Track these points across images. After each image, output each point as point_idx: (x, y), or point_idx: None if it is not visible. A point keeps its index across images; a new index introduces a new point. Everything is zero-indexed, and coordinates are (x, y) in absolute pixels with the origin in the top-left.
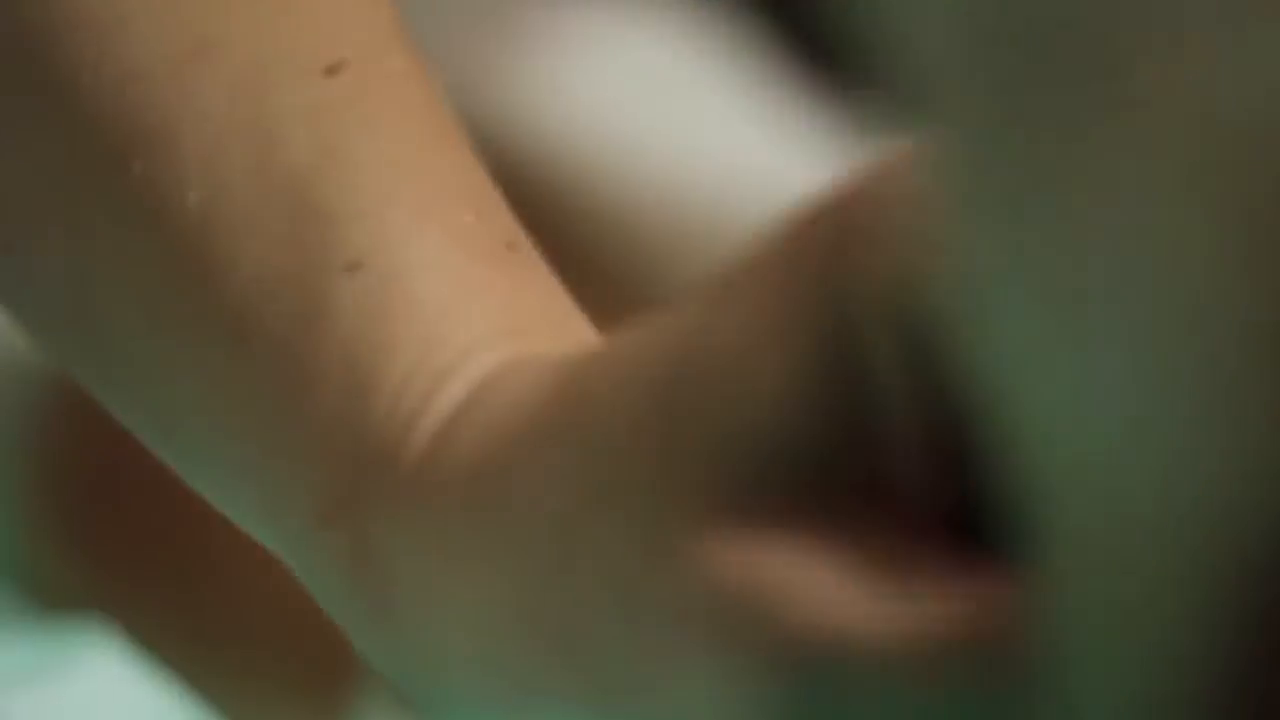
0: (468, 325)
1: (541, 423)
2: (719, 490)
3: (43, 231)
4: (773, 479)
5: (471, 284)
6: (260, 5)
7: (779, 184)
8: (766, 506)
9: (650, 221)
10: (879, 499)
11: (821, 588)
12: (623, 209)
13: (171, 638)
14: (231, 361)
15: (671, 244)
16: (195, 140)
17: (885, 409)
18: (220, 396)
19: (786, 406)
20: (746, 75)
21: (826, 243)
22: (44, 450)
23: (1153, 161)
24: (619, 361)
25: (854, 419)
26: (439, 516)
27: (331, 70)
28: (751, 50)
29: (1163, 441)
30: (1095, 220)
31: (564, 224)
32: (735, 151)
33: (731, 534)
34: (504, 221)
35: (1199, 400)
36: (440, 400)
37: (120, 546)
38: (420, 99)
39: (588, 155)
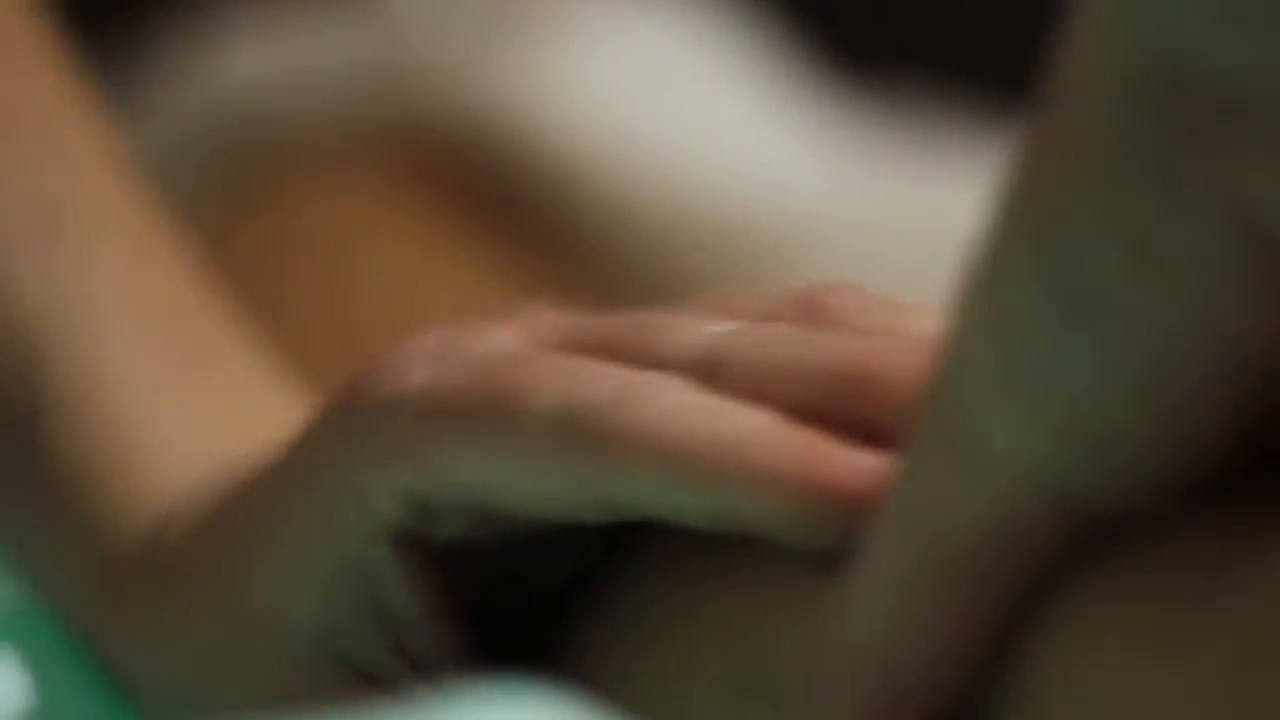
0: (166, 454)
1: (181, 569)
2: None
3: None
4: (315, 664)
5: (168, 413)
6: None
7: (786, 178)
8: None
9: (656, 215)
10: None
11: None
12: (629, 202)
13: None
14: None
15: (677, 237)
16: None
17: (398, 606)
18: None
19: (312, 607)
20: (755, 68)
21: (335, 452)
22: None
23: None
24: (224, 519)
25: (379, 621)
26: (135, 633)
27: (53, 225)
28: (760, 43)
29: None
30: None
31: (570, 216)
32: (742, 145)
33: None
34: (203, 326)
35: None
36: (144, 520)
37: None
38: (133, 226)
39: (595, 148)
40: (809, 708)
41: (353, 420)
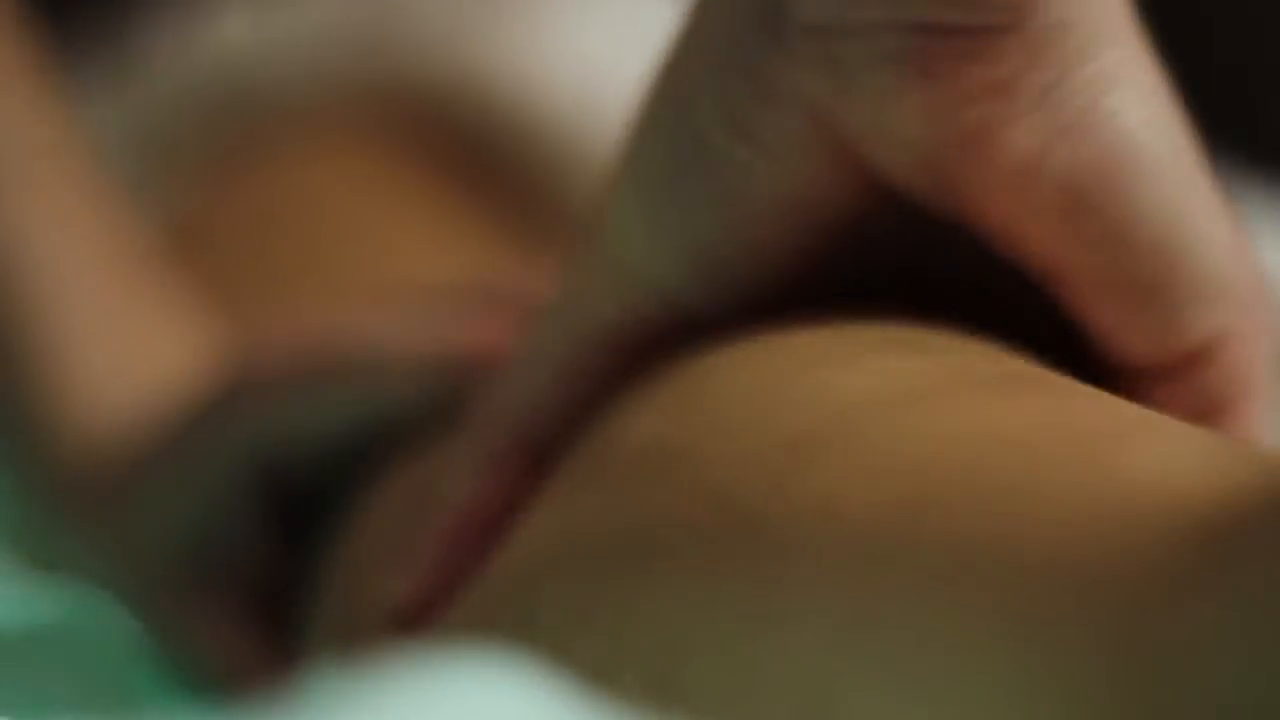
0: (109, 382)
1: (112, 482)
2: (160, 576)
3: None
4: (182, 573)
5: (114, 340)
6: None
7: None
8: (196, 585)
9: None
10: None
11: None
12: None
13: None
14: None
15: None
16: None
17: (238, 533)
18: None
19: (184, 531)
20: None
21: (218, 408)
22: None
23: None
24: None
25: (231, 539)
26: (78, 528)
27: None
28: None
29: None
30: None
31: (556, 181)
32: None
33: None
34: (128, 275)
35: None
36: (97, 441)
37: None
38: (71, 166)
39: (580, 113)
40: (459, 448)
41: (230, 399)
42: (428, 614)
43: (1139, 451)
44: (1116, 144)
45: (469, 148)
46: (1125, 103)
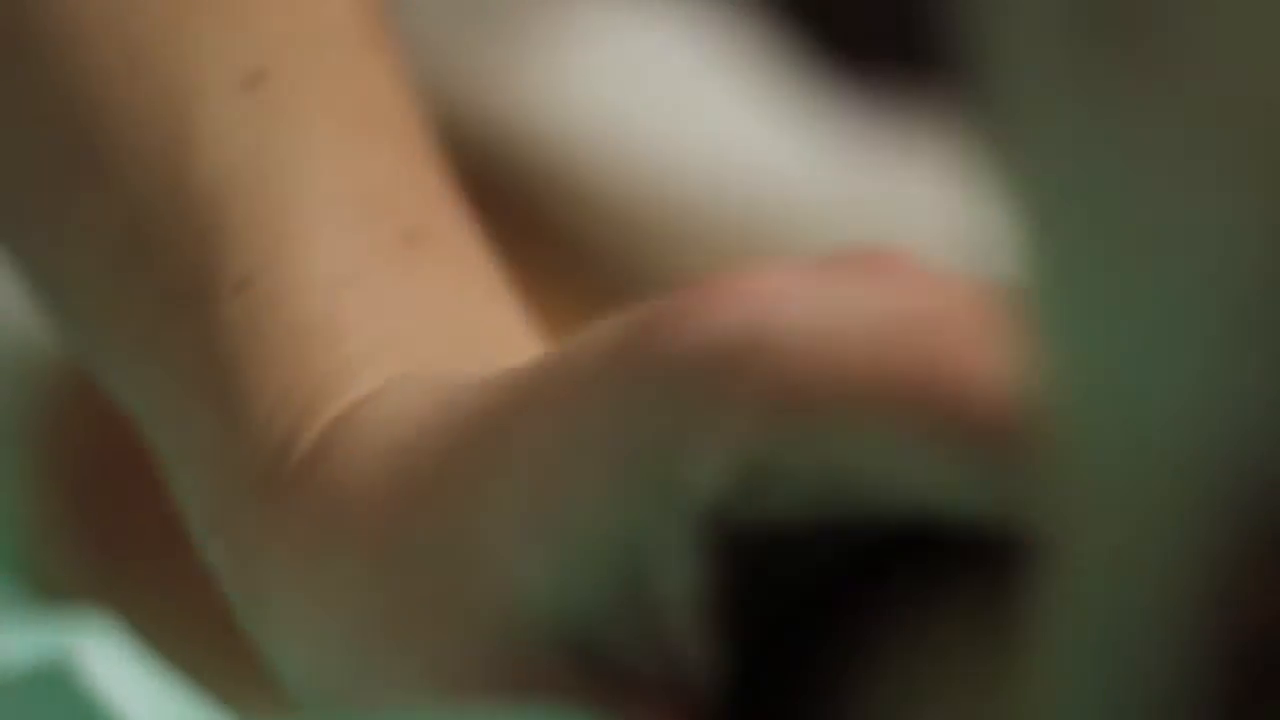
0: (346, 342)
1: (360, 501)
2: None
3: (8, 233)
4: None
5: (357, 298)
6: (188, 20)
7: (784, 173)
8: (547, 664)
9: (648, 215)
10: (658, 680)
11: None
12: (631, 201)
13: (173, 627)
14: (143, 372)
15: (669, 236)
16: (125, 156)
17: (667, 594)
18: (141, 398)
19: (560, 582)
20: (747, 66)
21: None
22: (50, 438)
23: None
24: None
25: (634, 602)
26: (303, 532)
27: (250, 82)
28: (753, 40)
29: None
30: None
31: (573, 216)
32: (737, 148)
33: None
34: (415, 211)
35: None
36: (313, 420)
37: (124, 535)
38: (353, 94)
39: (595, 149)
40: None
41: (676, 366)
42: None
43: None
44: None
45: (479, 185)
46: None
